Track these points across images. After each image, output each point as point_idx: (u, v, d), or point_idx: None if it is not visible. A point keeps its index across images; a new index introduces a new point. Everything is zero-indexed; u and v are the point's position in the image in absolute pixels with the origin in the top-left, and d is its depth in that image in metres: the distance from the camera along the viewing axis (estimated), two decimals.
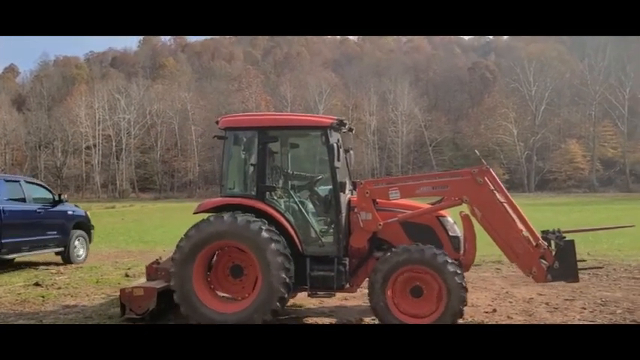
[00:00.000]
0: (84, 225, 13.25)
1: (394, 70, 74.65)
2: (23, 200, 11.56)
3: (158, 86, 76.41)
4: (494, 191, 6.67)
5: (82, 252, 13.10)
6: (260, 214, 6.70)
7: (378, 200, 6.87)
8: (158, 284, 7.33)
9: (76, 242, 12.90)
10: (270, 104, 73.05)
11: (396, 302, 6.48)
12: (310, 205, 7.25)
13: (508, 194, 6.80)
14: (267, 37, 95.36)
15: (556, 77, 67.25)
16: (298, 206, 7.09)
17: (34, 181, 13.50)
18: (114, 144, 70.02)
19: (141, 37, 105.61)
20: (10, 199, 11.18)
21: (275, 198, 7.06)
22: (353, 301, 8.35)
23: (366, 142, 69.30)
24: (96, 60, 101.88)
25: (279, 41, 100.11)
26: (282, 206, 7.05)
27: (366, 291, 6.66)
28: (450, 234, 7.03)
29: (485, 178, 6.72)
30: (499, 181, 6.86)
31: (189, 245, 6.61)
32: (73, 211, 13.02)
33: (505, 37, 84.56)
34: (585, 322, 6.82)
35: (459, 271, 6.35)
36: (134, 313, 6.98)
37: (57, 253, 12.60)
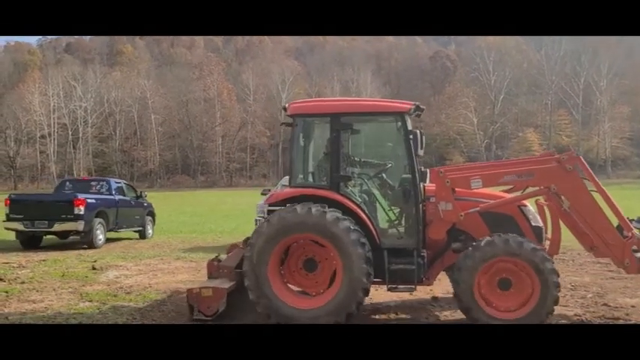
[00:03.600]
0: (152, 213, 17.72)
1: (357, 59, 74.74)
2: (124, 194, 16.40)
3: (116, 73, 74.22)
4: (584, 179, 6.40)
5: (150, 231, 17.43)
6: (334, 205, 6.31)
7: (455, 189, 6.55)
8: (223, 283, 7.01)
9: (148, 225, 17.33)
10: (232, 92, 72.14)
11: (484, 295, 6.17)
12: (385, 195, 6.87)
13: (599, 182, 6.52)
14: None
15: (514, 67, 68.76)
16: (373, 196, 6.78)
17: (127, 182, 18.58)
18: (70, 133, 67.71)
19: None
20: (119, 194, 16.03)
21: (349, 188, 6.68)
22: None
23: None
24: (49, 46, 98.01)
25: None
26: (357, 196, 6.68)
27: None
28: (533, 224, 6.65)
29: (575, 165, 6.40)
30: (589, 169, 6.60)
31: (263, 240, 6.29)
32: (147, 204, 17.49)
33: None
34: (560, 308, 6.92)
35: (555, 269, 6.05)
36: (202, 315, 6.65)
37: (136, 232, 16.85)
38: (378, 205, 6.76)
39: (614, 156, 62.09)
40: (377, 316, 7.11)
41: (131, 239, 16.67)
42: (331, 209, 6.19)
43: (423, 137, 6.43)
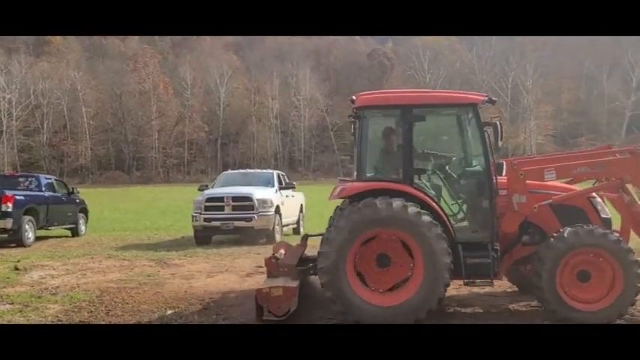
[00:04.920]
0: (85, 210, 17.44)
1: (296, 55, 74.65)
2: (55, 191, 16.02)
3: (43, 64, 70.42)
4: None
5: (83, 228, 17.01)
6: (410, 198, 6.17)
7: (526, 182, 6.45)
8: (289, 282, 6.71)
9: (81, 222, 16.92)
10: (169, 86, 70.30)
11: (565, 287, 6.13)
12: (456, 188, 6.77)
13: None
14: None
15: (448, 66, 70.92)
16: (446, 190, 6.67)
17: (57, 178, 18.49)
18: None
19: None
20: (49, 191, 15.61)
21: (423, 181, 6.59)
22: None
23: (269, 126, 68.99)
24: None
25: None
26: (431, 190, 6.59)
27: None
28: (602, 215, 6.64)
29: None
30: None
31: (343, 236, 6.09)
32: (79, 200, 17.16)
33: None
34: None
35: (637, 260, 6.05)
36: (273, 315, 6.38)
37: (68, 229, 16.47)
38: (454, 198, 6.70)
39: (540, 152, 65.35)
40: None
41: (61, 237, 16.05)
42: (410, 203, 6.08)
43: (503, 128, 6.33)
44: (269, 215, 13.88)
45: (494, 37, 67.00)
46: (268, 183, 15.30)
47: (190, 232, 14.69)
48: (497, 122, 6.32)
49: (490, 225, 6.40)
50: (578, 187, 6.93)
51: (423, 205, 6.22)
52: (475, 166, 6.74)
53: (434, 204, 6.34)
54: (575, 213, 6.56)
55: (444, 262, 6.04)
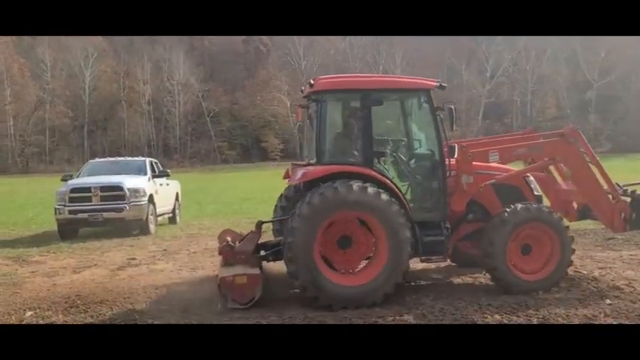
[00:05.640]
0: None
1: (168, 38, 71.56)
2: None
3: None
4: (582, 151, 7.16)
5: None
6: (370, 181, 6.38)
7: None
8: (250, 269, 6.68)
9: None
10: (25, 68, 63.91)
11: (512, 260, 6.66)
12: (410, 170, 7.04)
13: (594, 153, 7.28)
14: None
15: (323, 53, 72.44)
16: (402, 172, 6.94)
17: None
18: None
19: None
20: None
21: (382, 164, 6.79)
22: None
23: (141, 112, 65.74)
24: None
25: None
26: (389, 173, 6.81)
27: None
28: (535, 193, 7.26)
29: (575, 139, 7.12)
30: (586, 142, 7.27)
31: (307, 222, 6.19)
32: None
33: None
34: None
35: (572, 236, 6.83)
36: (237, 303, 6.37)
37: None
38: (409, 179, 7.00)
39: None
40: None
41: None
42: (369, 184, 6.30)
43: (456, 112, 6.73)
44: (142, 205, 13.32)
45: None
46: (140, 171, 14.65)
47: (54, 227, 13.64)
48: (452, 107, 6.76)
49: (442, 205, 6.87)
50: (510, 167, 7.61)
51: (382, 186, 6.50)
52: (429, 148, 7.13)
53: (392, 186, 6.64)
54: (512, 191, 7.19)
55: (405, 237, 6.42)
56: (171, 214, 15.83)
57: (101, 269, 9.34)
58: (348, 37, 71.86)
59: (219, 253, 7.33)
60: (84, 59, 63.65)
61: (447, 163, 6.83)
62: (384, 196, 6.35)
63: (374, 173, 6.60)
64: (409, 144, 7.31)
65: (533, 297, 6.62)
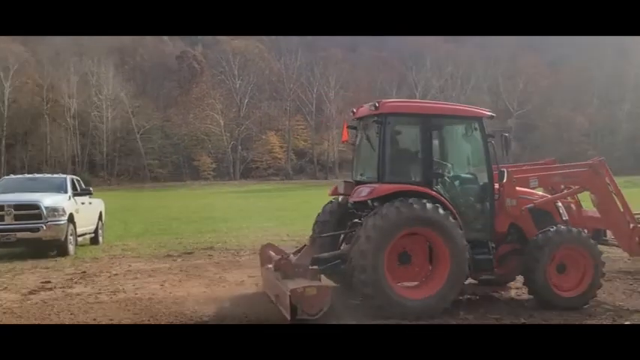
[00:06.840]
0: None
1: (97, 51, 69.30)
2: None
3: None
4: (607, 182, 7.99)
5: None
6: (433, 201, 6.76)
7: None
8: (315, 282, 6.77)
9: None
10: None
11: (550, 279, 7.11)
12: (464, 191, 7.46)
13: (616, 183, 8.11)
14: None
15: (257, 73, 72.55)
16: (457, 193, 7.34)
17: None
18: None
19: None
20: None
21: (439, 185, 7.17)
22: None
23: (65, 127, 62.93)
24: None
25: None
26: (447, 194, 7.17)
27: None
28: (563, 218, 7.76)
29: (602, 170, 7.92)
30: (610, 173, 8.04)
31: (381, 234, 6.50)
32: None
33: None
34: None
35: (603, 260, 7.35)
36: (306, 314, 6.38)
37: None
38: (462, 200, 7.36)
39: (341, 158, 70.21)
40: None
41: None
42: (439, 204, 6.74)
43: (510, 141, 7.06)
44: (60, 225, 12.56)
45: (300, 49, 70.50)
46: (60, 189, 13.85)
47: None
48: (506, 134, 7.51)
49: (490, 225, 7.36)
50: (541, 193, 8.23)
51: (443, 206, 6.88)
52: (480, 172, 7.59)
53: (450, 205, 7.01)
54: (545, 216, 7.73)
55: (465, 258, 6.85)
56: (93, 235, 15.04)
57: (11, 293, 8.67)
58: (283, 58, 72.43)
59: (275, 268, 7.37)
60: (4, 70, 60.32)
61: (495, 187, 7.38)
62: (451, 218, 6.80)
63: (434, 193, 6.99)
64: (462, 167, 7.85)
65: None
